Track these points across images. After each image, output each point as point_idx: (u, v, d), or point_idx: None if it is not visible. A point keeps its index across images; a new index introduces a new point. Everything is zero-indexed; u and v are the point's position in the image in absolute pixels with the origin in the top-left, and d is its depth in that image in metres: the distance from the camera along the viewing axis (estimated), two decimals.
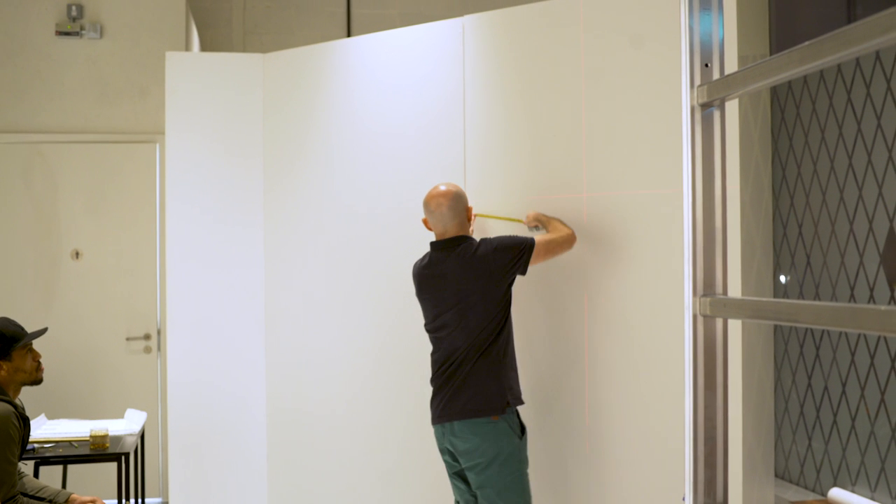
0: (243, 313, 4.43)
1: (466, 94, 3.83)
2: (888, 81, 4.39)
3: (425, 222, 3.37)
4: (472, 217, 3.40)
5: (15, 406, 3.44)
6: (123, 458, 4.01)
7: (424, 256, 3.34)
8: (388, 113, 4.07)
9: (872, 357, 4.46)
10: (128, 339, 5.52)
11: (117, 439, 4.21)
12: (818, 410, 4.91)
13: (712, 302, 1.32)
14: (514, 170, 3.71)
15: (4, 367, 3.47)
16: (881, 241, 4.41)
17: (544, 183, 3.62)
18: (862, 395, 4.55)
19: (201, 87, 4.43)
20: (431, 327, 3.29)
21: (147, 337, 5.53)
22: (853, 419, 4.63)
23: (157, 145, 5.52)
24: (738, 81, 1.28)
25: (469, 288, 3.14)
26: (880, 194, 4.43)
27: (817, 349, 4.90)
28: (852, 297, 4.62)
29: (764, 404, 3.73)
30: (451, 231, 3.27)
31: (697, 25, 1.37)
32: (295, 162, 4.37)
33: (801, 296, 5.07)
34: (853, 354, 4.61)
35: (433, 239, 3.34)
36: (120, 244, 5.53)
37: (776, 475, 5.12)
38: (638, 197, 3.31)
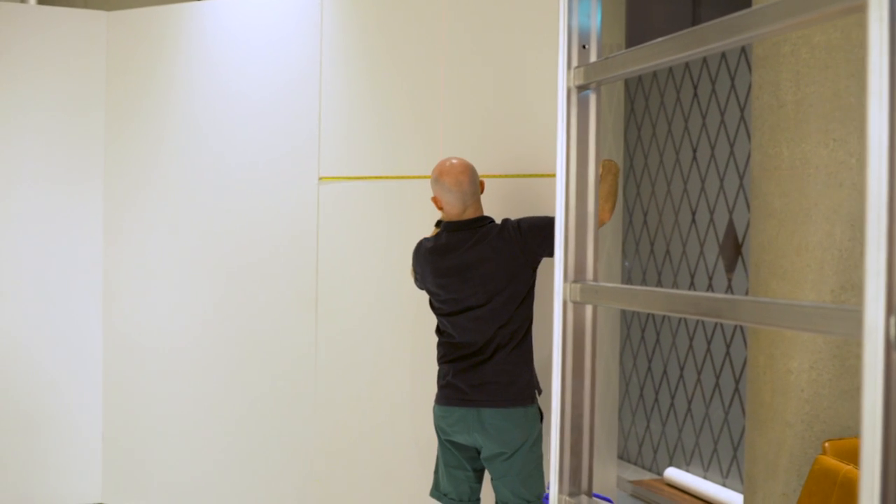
0: (77, 287, 4.15)
1: (324, 64, 3.72)
2: (732, 80, 4.58)
3: (436, 201, 3.01)
4: (483, 189, 3.07)
5: None
6: None
7: (439, 236, 3.02)
8: (240, 79, 3.91)
9: (709, 343, 4.67)
10: None
11: None
12: (657, 393, 5.11)
13: (583, 288, 1.30)
14: (369, 145, 3.63)
15: None
16: (721, 231, 4.62)
17: (401, 161, 3.56)
18: (698, 380, 4.76)
19: (37, 42, 4.11)
20: (450, 311, 3.00)
21: None
22: (689, 402, 4.84)
23: None
24: (616, 65, 1.26)
25: (496, 273, 2.91)
26: (721, 187, 4.62)
27: (658, 334, 5.09)
28: (692, 285, 4.81)
29: (609, 387, 3.83)
30: (472, 210, 2.98)
31: (576, 5, 1.34)
32: (140, 127, 4.13)
33: (643, 282, 5.25)
34: (691, 340, 4.81)
35: (445, 218, 3.03)
36: None
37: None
38: (495, 182, 3.30)
